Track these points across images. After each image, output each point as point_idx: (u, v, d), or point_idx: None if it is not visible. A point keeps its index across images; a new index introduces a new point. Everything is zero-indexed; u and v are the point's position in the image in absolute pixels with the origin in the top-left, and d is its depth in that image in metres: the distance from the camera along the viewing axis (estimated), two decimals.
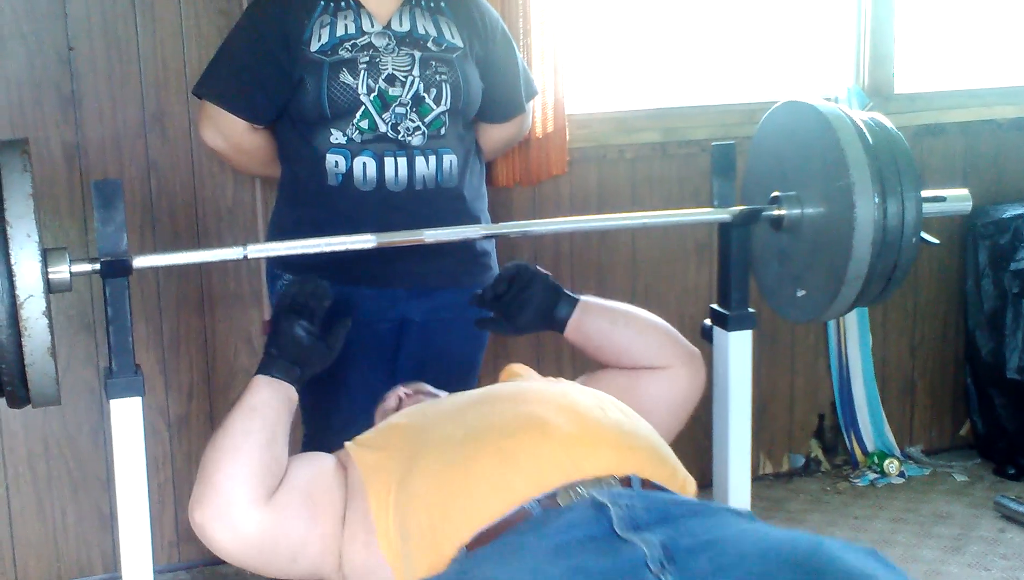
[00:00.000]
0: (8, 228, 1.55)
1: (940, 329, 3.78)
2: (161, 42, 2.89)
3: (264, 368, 1.77)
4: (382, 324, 2.45)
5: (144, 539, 1.75)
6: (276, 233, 2.51)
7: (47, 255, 1.63)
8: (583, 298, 2.02)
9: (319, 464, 1.73)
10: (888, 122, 2.00)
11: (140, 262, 1.77)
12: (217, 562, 3.14)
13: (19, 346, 1.57)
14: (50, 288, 1.63)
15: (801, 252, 2.04)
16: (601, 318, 1.98)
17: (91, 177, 2.84)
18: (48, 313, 1.58)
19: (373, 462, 1.66)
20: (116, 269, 1.73)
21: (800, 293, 2.04)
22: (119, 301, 1.73)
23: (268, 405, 1.72)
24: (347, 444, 1.72)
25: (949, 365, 3.81)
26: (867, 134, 1.93)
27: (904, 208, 1.90)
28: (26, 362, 1.59)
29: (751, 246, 2.11)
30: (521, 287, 2.01)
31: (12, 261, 1.55)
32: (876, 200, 1.88)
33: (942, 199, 2.03)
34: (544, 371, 2.24)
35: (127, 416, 1.74)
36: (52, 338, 1.59)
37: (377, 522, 1.59)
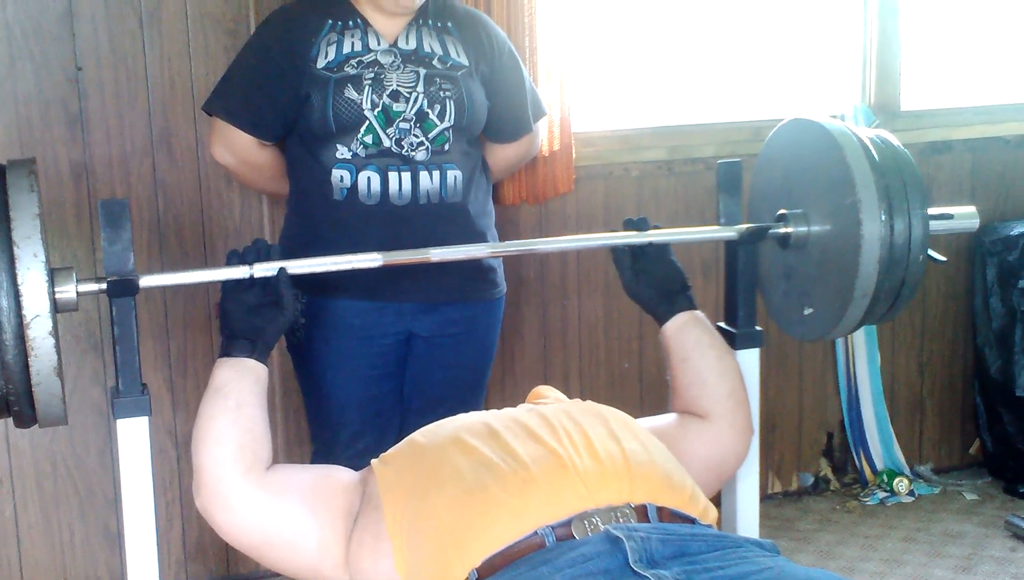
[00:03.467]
0: (15, 248, 1.56)
1: (949, 347, 3.77)
2: (168, 61, 2.90)
3: (222, 351, 1.80)
4: (388, 339, 2.45)
5: (151, 558, 1.75)
6: (285, 248, 2.51)
7: (54, 275, 1.63)
8: (694, 313, 2.02)
9: (329, 470, 1.77)
10: (894, 139, 2.00)
11: (147, 282, 1.77)
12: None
13: (26, 366, 1.57)
14: (57, 308, 1.63)
15: (808, 270, 2.04)
16: (705, 334, 1.99)
17: (98, 196, 2.85)
18: (55, 333, 1.58)
19: (392, 479, 1.66)
20: (123, 288, 1.73)
21: (807, 311, 2.04)
22: (126, 320, 1.74)
23: (229, 384, 1.75)
24: (373, 462, 1.73)
25: (958, 383, 3.79)
26: (873, 151, 1.93)
27: (911, 226, 1.90)
28: (33, 382, 1.59)
29: (757, 264, 2.11)
30: (657, 260, 2.02)
31: (19, 281, 1.55)
32: (883, 218, 1.88)
33: (949, 216, 2.03)
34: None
35: (134, 436, 1.75)
36: (59, 358, 1.59)
37: (392, 538, 1.59)
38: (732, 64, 3.52)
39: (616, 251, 2.03)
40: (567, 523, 1.50)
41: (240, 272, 1.81)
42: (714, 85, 3.51)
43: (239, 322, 1.79)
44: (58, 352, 1.59)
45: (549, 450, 1.61)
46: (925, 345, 3.75)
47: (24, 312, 1.55)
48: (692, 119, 3.45)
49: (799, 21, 3.60)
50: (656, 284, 2.01)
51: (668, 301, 2.00)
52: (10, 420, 2.55)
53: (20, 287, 1.55)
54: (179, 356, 3.02)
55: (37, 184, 1.60)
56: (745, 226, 2.07)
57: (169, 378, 3.02)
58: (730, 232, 2.07)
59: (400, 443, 1.76)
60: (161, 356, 3.00)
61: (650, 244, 2.01)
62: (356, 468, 1.78)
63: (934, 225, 1.95)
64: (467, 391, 2.53)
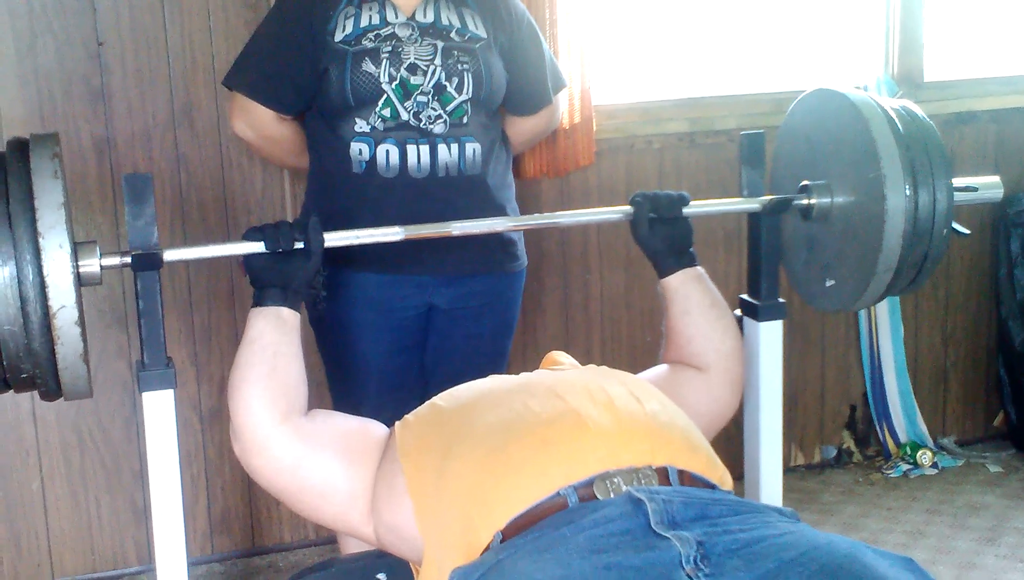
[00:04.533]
0: (38, 222, 1.56)
1: (972, 319, 3.75)
2: (189, 36, 2.90)
3: (254, 301, 1.80)
4: (409, 311, 2.46)
5: (178, 531, 1.76)
6: None
7: (77, 249, 1.64)
8: (697, 271, 2.03)
9: (365, 424, 1.80)
10: (919, 110, 1.98)
11: (171, 255, 1.78)
12: (250, 553, 3.17)
13: (51, 341, 1.58)
14: (81, 281, 1.64)
15: (830, 242, 2.03)
16: (708, 292, 2.00)
17: (121, 171, 2.86)
18: (79, 305, 1.59)
19: (411, 440, 1.68)
20: (147, 262, 1.73)
21: (829, 283, 2.03)
22: (150, 294, 1.74)
23: (265, 335, 1.76)
24: (396, 423, 1.75)
25: (982, 355, 3.78)
26: (898, 123, 1.91)
27: (935, 198, 1.88)
28: (58, 357, 1.60)
29: (780, 236, 2.10)
30: (675, 217, 2.01)
31: (43, 253, 1.56)
32: (907, 190, 1.86)
33: (973, 189, 2.01)
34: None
35: (160, 409, 1.75)
36: (83, 332, 1.60)
37: (414, 498, 1.60)
38: (754, 35, 3.50)
39: (636, 198, 2.03)
40: (589, 483, 1.50)
41: (262, 246, 1.81)
42: (736, 56, 3.49)
43: (267, 271, 1.80)
44: (83, 325, 1.60)
45: (569, 409, 1.62)
46: (949, 317, 3.73)
47: (47, 283, 1.56)
48: (714, 91, 3.43)
49: None
50: (669, 238, 2.01)
51: (677, 256, 2.01)
52: (35, 400, 2.58)
53: (43, 258, 1.56)
54: (203, 330, 3.04)
55: (62, 169, 1.60)
56: (768, 198, 2.06)
57: (193, 352, 3.03)
58: (754, 204, 2.07)
59: (422, 406, 1.77)
60: (185, 330, 3.01)
61: (668, 196, 2.01)
62: None
63: (958, 197, 1.94)
64: (488, 363, 2.53)
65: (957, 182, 1.95)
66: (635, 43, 3.38)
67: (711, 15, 3.46)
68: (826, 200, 2.01)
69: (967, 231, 2.03)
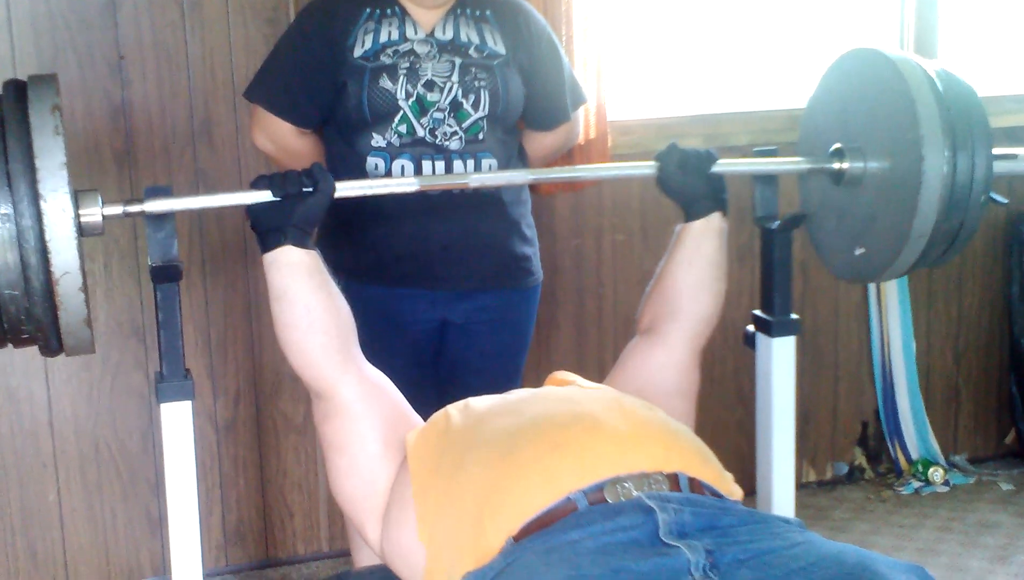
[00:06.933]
0: (39, 184, 1.49)
1: (984, 336, 3.75)
2: (210, 51, 2.92)
3: (261, 249, 1.77)
4: (422, 325, 2.47)
5: (194, 542, 1.76)
6: (321, 235, 2.54)
7: (78, 196, 1.59)
8: (723, 222, 1.99)
9: (412, 417, 1.82)
10: (960, 74, 1.90)
11: (176, 204, 1.77)
12: (264, 565, 3.18)
13: (53, 306, 1.53)
14: (82, 232, 1.58)
15: (862, 208, 1.95)
16: (719, 251, 1.98)
17: (140, 184, 2.88)
18: (83, 270, 1.54)
19: (421, 448, 1.69)
20: (167, 274, 1.75)
21: (859, 251, 1.95)
22: (170, 306, 1.75)
23: (288, 290, 1.75)
24: (409, 434, 1.75)
25: (994, 372, 3.77)
26: (938, 84, 1.83)
27: (974, 163, 1.79)
28: (60, 319, 1.54)
29: (791, 251, 2.08)
30: (704, 168, 1.98)
31: (44, 217, 1.49)
32: (946, 153, 1.77)
33: (1013, 156, 1.92)
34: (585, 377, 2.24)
35: (177, 420, 1.76)
36: (87, 296, 1.56)
37: (417, 504, 1.61)
38: (768, 52, 3.51)
39: (661, 153, 1.98)
40: (599, 487, 1.50)
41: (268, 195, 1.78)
42: (751, 73, 3.50)
43: (271, 212, 1.77)
44: (86, 289, 1.55)
45: (582, 413, 1.62)
46: (961, 334, 3.73)
47: (51, 257, 1.49)
48: (728, 107, 3.44)
49: (836, 9, 3.58)
50: (702, 180, 1.97)
51: (713, 198, 1.97)
52: (52, 411, 2.54)
53: (46, 226, 1.49)
54: (219, 342, 3.06)
55: (62, 122, 1.52)
56: (807, 159, 2.02)
57: (210, 364, 3.05)
58: (799, 163, 2.02)
59: (435, 414, 1.78)
60: (202, 342, 3.03)
61: (696, 153, 1.97)
62: None
63: (998, 166, 1.84)
64: (502, 379, 2.53)
65: (997, 151, 1.85)
66: (650, 60, 3.39)
67: (726, 32, 3.47)
68: (859, 164, 1.94)
69: (1005, 200, 1.93)
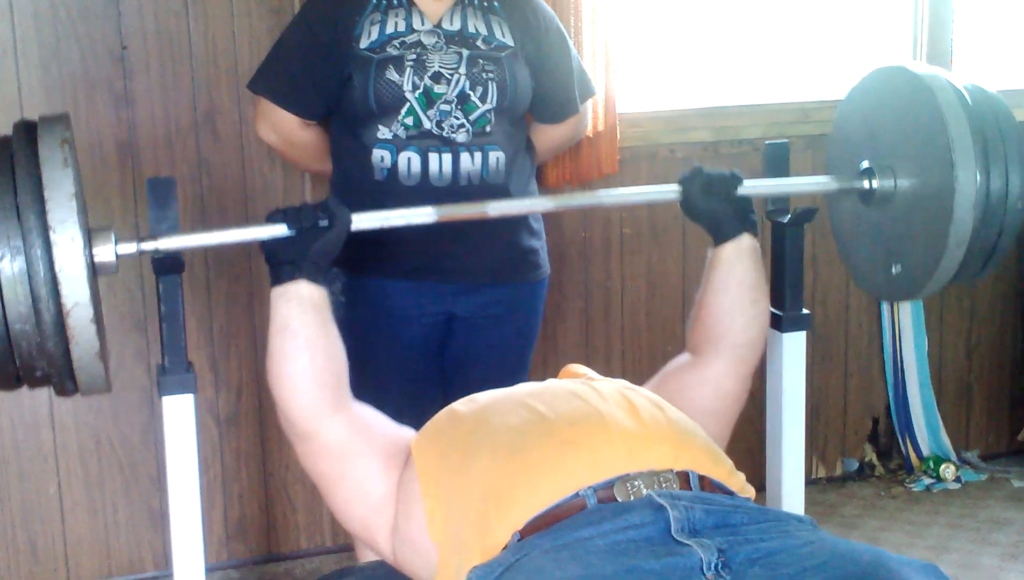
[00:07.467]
0: (48, 215, 1.49)
1: (997, 331, 3.72)
2: (213, 41, 2.90)
3: (271, 280, 1.74)
4: (428, 319, 2.46)
5: (196, 536, 1.76)
6: None
7: (92, 236, 1.59)
8: (753, 242, 1.93)
9: (404, 429, 1.78)
10: (988, 87, 1.89)
11: (187, 241, 1.76)
12: (266, 559, 3.16)
13: (65, 339, 1.52)
14: (96, 271, 1.58)
15: (894, 225, 1.94)
16: (751, 272, 1.91)
17: (143, 175, 2.86)
18: (94, 301, 1.53)
19: (430, 446, 1.67)
20: (170, 266, 1.73)
21: (895, 269, 1.93)
22: (172, 298, 1.74)
23: (293, 321, 1.71)
24: (414, 434, 1.74)
25: (1006, 368, 3.75)
26: (967, 96, 1.83)
27: (1008, 171, 1.79)
28: (72, 354, 1.53)
29: (803, 244, 2.07)
30: (730, 191, 1.92)
31: (54, 248, 1.49)
32: (978, 161, 1.77)
33: None
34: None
35: (179, 413, 1.75)
36: (100, 328, 1.55)
37: (425, 500, 1.59)
38: (780, 44, 3.48)
39: (685, 176, 1.93)
40: (609, 485, 1.49)
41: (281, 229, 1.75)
42: (761, 65, 3.47)
43: (286, 247, 1.73)
44: (99, 322, 1.54)
45: (592, 410, 1.60)
46: (973, 330, 3.70)
47: (61, 288, 1.49)
48: (738, 100, 3.41)
49: (850, 0, 3.55)
50: (728, 203, 1.91)
51: (739, 219, 1.91)
52: (53, 404, 2.53)
53: (55, 257, 1.48)
54: (222, 334, 3.03)
55: (73, 156, 1.52)
56: (838, 177, 1.99)
57: (212, 356, 3.03)
58: (827, 183, 2.00)
59: (440, 413, 1.76)
60: (204, 334, 3.01)
61: (721, 176, 1.92)
62: None
63: None
64: (508, 372, 2.52)
65: None
66: (659, 51, 3.37)
67: (736, 24, 3.44)
68: (889, 182, 1.92)
69: None
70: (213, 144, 2.95)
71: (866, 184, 1.95)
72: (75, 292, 1.50)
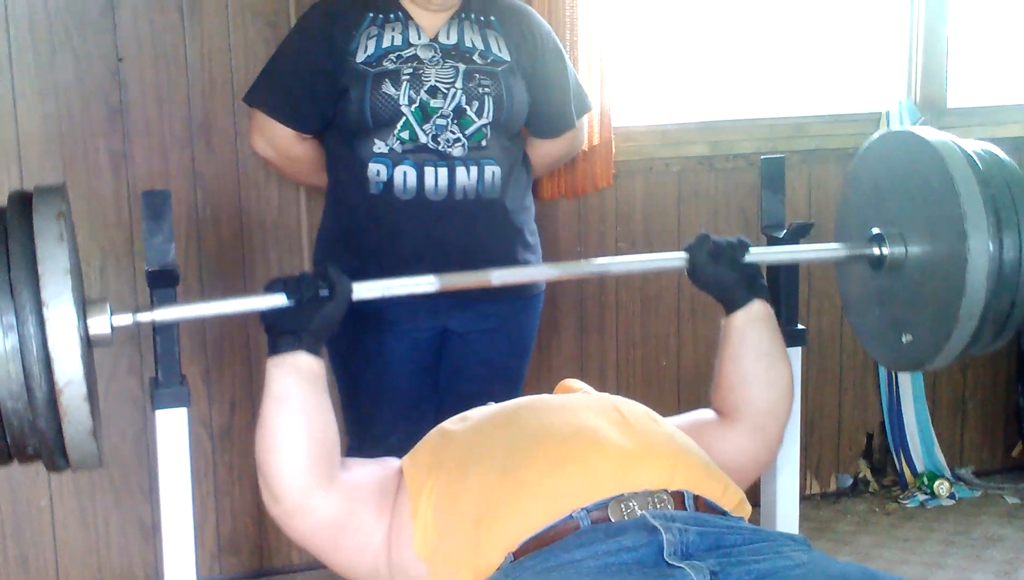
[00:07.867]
0: (42, 291, 1.46)
1: None
2: (209, 54, 2.90)
3: (269, 349, 1.70)
4: (422, 334, 2.45)
5: (188, 550, 1.75)
6: (322, 241, 2.53)
7: (87, 308, 1.57)
8: (765, 308, 1.90)
9: (386, 464, 1.74)
10: (1000, 151, 1.88)
11: (184, 312, 1.73)
12: (259, 574, 3.15)
13: (57, 417, 1.49)
14: (91, 344, 1.56)
15: (905, 293, 1.91)
16: (765, 337, 1.87)
17: (137, 187, 2.85)
18: (88, 379, 1.50)
19: (418, 466, 1.66)
20: (164, 279, 1.72)
21: (906, 339, 1.90)
22: None
23: (290, 392, 1.66)
24: (404, 458, 1.71)
25: (1001, 384, 3.74)
26: (977, 162, 1.80)
27: (1021, 241, 1.76)
28: (65, 432, 1.51)
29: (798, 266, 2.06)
30: (733, 256, 1.89)
31: (47, 324, 1.45)
32: (990, 229, 1.74)
33: None
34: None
35: (173, 426, 1.74)
36: (93, 406, 1.52)
37: (415, 520, 1.58)
38: (775, 59, 3.49)
39: (691, 245, 1.90)
40: (603, 506, 1.48)
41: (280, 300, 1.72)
42: (757, 80, 3.48)
43: (286, 318, 1.70)
44: (92, 399, 1.51)
45: (584, 427, 1.59)
46: None
47: (54, 365, 1.45)
48: (734, 114, 3.42)
49: (844, 15, 3.55)
50: (736, 270, 1.88)
51: (747, 287, 1.88)
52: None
53: (48, 334, 1.45)
54: (215, 348, 3.02)
55: (67, 230, 1.49)
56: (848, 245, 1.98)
57: (205, 370, 3.02)
58: (837, 250, 1.98)
59: (430, 433, 1.75)
60: (197, 348, 3.00)
61: (729, 244, 1.89)
62: None
63: None
64: (503, 387, 2.51)
65: None
66: (655, 66, 3.37)
67: (732, 38, 3.44)
68: (900, 248, 1.89)
69: None
70: (208, 157, 2.94)
71: (876, 251, 1.92)
72: (68, 370, 1.47)
